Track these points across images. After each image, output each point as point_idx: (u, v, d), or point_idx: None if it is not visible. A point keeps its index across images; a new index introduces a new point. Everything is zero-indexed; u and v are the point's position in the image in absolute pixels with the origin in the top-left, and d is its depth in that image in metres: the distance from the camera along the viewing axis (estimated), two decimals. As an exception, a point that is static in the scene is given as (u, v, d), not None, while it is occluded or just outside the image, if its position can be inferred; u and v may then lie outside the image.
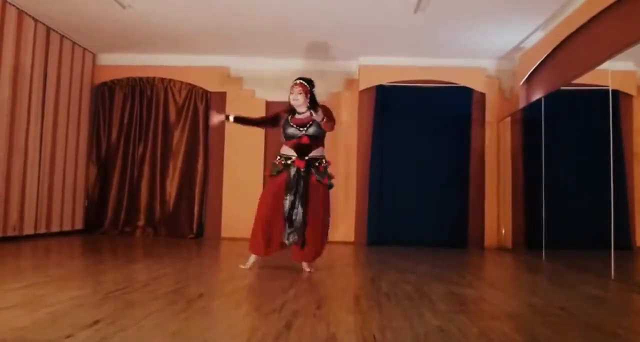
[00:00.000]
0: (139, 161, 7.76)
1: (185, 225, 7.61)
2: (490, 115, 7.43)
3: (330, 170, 4.42)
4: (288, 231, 4.21)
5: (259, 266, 4.39)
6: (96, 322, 2.33)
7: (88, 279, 3.68)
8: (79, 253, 5.61)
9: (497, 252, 6.77)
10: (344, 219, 7.52)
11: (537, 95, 6.27)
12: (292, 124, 4.32)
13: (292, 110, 4.38)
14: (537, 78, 6.41)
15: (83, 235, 7.35)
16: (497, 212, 7.29)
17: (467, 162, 7.38)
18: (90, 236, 7.26)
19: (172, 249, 5.92)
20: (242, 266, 4.32)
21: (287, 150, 4.34)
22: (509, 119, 7.18)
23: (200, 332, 2.24)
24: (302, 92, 4.32)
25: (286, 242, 4.24)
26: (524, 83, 6.81)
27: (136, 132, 7.79)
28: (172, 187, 7.69)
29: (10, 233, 6.02)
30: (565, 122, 6.08)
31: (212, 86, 7.72)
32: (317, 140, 4.33)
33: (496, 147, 7.38)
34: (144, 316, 2.48)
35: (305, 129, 4.27)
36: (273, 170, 4.33)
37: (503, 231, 7.17)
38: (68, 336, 2.09)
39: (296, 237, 4.20)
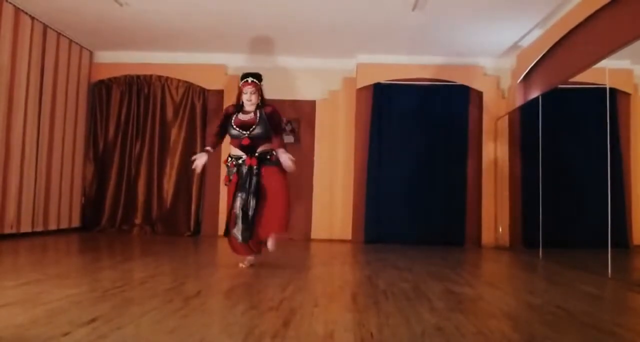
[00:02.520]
0: (136, 159, 7.75)
1: (183, 223, 7.60)
2: (487, 114, 7.44)
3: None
4: (242, 227, 4.14)
5: (257, 263, 4.39)
6: (94, 319, 2.32)
7: (85, 277, 3.68)
8: (76, 251, 5.60)
9: (494, 250, 6.78)
10: (342, 217, 7.52)
11: (534, 93, 6.27)
12: (234, 125, 4.20)
13: (239, 107, 4.28)
14: (535, 76, 6.42)
15: (80, 233, 7.34)
16: (495, 211, 7.30)
17: (465, 160, 7.38)
18: (88, 234, 7.25)
19: (170, 247, 5.92)
20: (241, 265, 4.32)
21: (235, 150, 4.27)
22: (506, 117, 7.19)
23: (197, 329, 2.24)
24: (255, 91, 4.24)
25: (239, 238, 4.15)
26: (521, 81, 6.81)
27: (133, 130, 7.78)
28: (169, 185, 7.69)
29: (7, 231, 6.01)
30: (562, 120, 6.10)
31: (209, 84, 7.70)
32: (261, 139, 4.21)
33: (493, 145, 7.38)
34: (142, 313, 2.48)
35: (248, 132, 4.17)
36: (229, 173, 4.25)
37: (500, 229, 7.18)
38: (65, 334, 2.08)
39: (249, 234, 4.14)
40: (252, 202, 4.15)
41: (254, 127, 4.19)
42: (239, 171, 4.20)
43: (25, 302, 2.67)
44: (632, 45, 4.17)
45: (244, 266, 4.30)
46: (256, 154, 4.19)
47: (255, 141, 4.20)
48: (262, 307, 2.75)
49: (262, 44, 7.20)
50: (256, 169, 4.17)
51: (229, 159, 4.29)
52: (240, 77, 4.34)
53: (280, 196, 4.17)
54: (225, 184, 4.35)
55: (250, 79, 4.26)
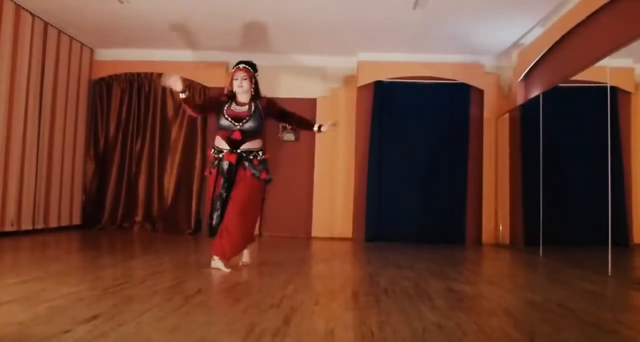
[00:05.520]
0: (137, 157, 7.75)
1: (183, 221, 7.61)
2: (488, 112, 7.43)
3: (269, 163, 4.16)
4: (214, 223, 4.05)
5: (258, 261, 4.39)
6: (95, 317, 2.33)
7: (86, 275, 3.68)
8: (77, 248, 5.60)
9: (495, 248, 6.78)
10: (342, 215, 7.52)
11: (535, 92, 6.27)
12: (226, 115, 3.98)
13: (232, 97, 4.07)
14: (536, 75, 6.41)
15: (81, 230, 7.34)
16: (495, 209, 7.30)
17: (465, 158, 7.38)
18: (88, 231, 7.25)
19: (170, 245, 5.92)
20: (240, 263, 4.32)
21: (219, 142, 4.04)
22: (507, 115, 7.18)
23: (198, 327, 2.24)
24: (247, 77, 4.02)
25: (210, 235, 4.07)
26: (522, 80, 6.81)
27: (134, 127, 7.78)
28: (169, 183, 7.69)
29: (8, 228, 6.01)
30: (563, 119, 6.08)
31: (210, 82, 7.69)
32: (252, 134, 4.01)
33: (494, 143, 7.38)
34: (143, 311, 2.48)
35: (240, 124, 3.97)
36: (212, 167, 4.08)
37: (501, 228, 7.18)
38: (67, 331, 2.09)
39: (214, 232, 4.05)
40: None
41: (247, 119, 3.99)
42: (219, 166, 4.03)
43: (26, 300, 2.68)
44: (634, 44, 4.17)
45: (245, 262, 4.31)
46: (238, 151, 3.99)
47: (245, 136, 4.00)
48: (263, 305, 2.75)
49: (263, 42, 7.19)
50: (234, 166, 3.97)
51: (213, 150, 4.11)
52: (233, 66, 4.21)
53: (238, 213, 3.96)
54: (206, 175, 4.22)
55: (242, 65, 4.08)
